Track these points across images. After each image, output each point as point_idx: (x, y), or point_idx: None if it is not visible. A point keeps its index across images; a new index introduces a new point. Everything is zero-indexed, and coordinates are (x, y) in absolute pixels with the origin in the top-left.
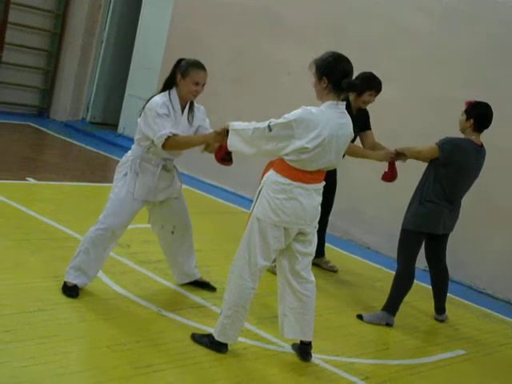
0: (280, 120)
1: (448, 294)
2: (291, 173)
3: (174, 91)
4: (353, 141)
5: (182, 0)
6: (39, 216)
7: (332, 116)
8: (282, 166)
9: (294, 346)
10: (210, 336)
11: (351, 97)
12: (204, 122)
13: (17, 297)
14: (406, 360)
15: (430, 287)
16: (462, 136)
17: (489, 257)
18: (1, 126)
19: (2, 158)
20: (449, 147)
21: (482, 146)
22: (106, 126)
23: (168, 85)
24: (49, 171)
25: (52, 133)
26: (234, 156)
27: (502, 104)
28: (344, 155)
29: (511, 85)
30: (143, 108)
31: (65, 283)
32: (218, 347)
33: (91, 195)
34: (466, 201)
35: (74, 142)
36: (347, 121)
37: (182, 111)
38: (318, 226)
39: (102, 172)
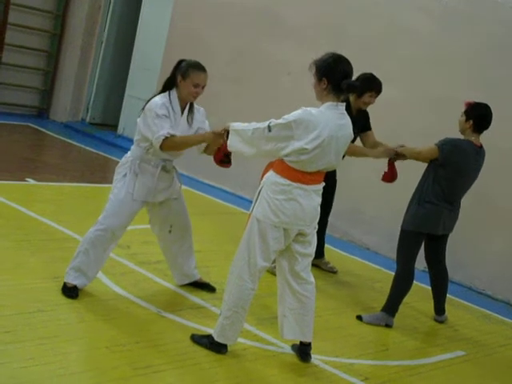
0: (280, 120)
1: (447, 295)
2: (291, 174)
3: (174, 92)
4: (353, 141)
5: (182, 0)
6: (39, 217)
7: (332, 117)
8: (282, 167)
9: (293, 346)
10: (209, 337)
11: (351, 98)
12: (203, 123)
13: (17, 298)
14: (405, 361)
15: (430, 288)
16: (461, 137)
17: (488, 257)
18: (0, 126)
19: (1, 159)
20: (448, 148)
21: (481, 146)
22: (105, 126)
23: (168, 85)
24: (48, 172)
25: (52, 133)
26: (233, 157)
27: (502, 104)
28: (344, 156)
29: (511, 85)
30: (143, 108)
31: (64, 284)
32: (218, 348)
33: (91, 196)
34: (466, 201)
35: (74, 143)
36: (347, 122)
37: (182, 112)
38: (317, 226)
39: (101, 173)
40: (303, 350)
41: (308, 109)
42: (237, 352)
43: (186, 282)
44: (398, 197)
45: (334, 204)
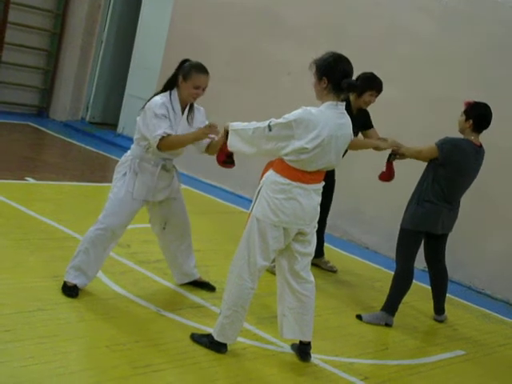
0: (280, 120)
1: (447, 295)
2: (290, 173)
3: (175, 92)
4: None
5: (182, 0)
6: (39, 216)
7: (331, 116)
8: (282, 166)
9: (293, 346)
10: (209, 336)
11: (351, 97)
12: (203, 123)
13: (16, 296)
14: (405, 360)
15: (429, 287)
16: (461, 136)
17: (488, 257)
18: (0, 125)
19: (1, 158)
20: (448, 147)
21: (481, 146)
22: (105, 125)
23: (169, 85)
24: (48, 171)
25: (51, 132)
26: (233, 156)
27: (502, 104)
28: (345, 153)
29: (511, 85)
30: (143, 107)
31: (64, 283)
32: (218, 347)
33: (91, 195)
34: (465, 201)
35: (74, 142)
36: (347, 121)
37: (183, 112)
38: (317, 226)
39: (101, 172)
40: (303, 350)
41: (308, 108)
42: (236, 351)
43: (186, 281)
44: (398, 196)
45: (334, 203)
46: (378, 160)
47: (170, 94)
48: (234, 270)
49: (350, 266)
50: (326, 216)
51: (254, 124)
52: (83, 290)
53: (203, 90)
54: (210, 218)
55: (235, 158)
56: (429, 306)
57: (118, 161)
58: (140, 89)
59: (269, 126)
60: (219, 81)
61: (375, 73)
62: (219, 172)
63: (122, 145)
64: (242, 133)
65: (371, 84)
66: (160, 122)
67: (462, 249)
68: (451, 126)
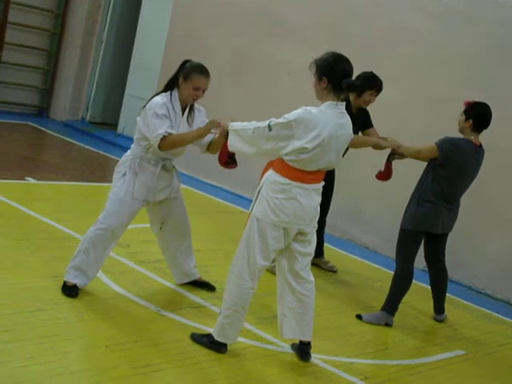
0: (280, 120)
1: (447, 294)
2: (291, 173)
3: (175, 92)
4: None
5: (182, 0)
6: (39, 216)
7: (331, 116)
8: (282, 166)
9: (293, 346)
10: (209, 336)
11: (351, 96)
12: (203, 124)
13: (16, 296)
14: (405, 360)
15: (429, 287)
16: (461, 136)
17: (488, 257)
18: (0, 125)
19: (1, 158)
20: (448, 147)
21: (480, 146)
22: (105, 125)
23: (170, 85)
24: (48, 171)
25: (51, 132)
26: (235, 157)
27: (502, 104)
28: (346, 151)
29: (511, 85)
30: (144, 107)
31: (64, 283)
32: (218, 347)
33: (91, 195)
34: (465, 201)
35: (74, 142)
36: (347, 121)
37: (183, 112)
38: (317, 225)
39: (101, 172)
40: (303, 349)
41: (308, 108)
42: (236, 351)
43: (186, 280)
44: (398, 197)
45: (334, 203)
46: (377, 160)
47: (171, 94)
48: (234, 270)
49: (349, 266)
50: (326, 216)
51: (253, 124)
52: (83, 289)
53: (203, 91)
54: (210, 218)
55: (236, 157)
56: (429, 305)
57: (117, 161)
58: (140, 89)
59: (269, 125)
60: (219, 81)
61: (375, 73)
62: (219, 172)
63: (122, 145)
64: (241, 133)
65: (371, 83)
66: (161, 122)
67: (461, 249)
68: (451, 126)
